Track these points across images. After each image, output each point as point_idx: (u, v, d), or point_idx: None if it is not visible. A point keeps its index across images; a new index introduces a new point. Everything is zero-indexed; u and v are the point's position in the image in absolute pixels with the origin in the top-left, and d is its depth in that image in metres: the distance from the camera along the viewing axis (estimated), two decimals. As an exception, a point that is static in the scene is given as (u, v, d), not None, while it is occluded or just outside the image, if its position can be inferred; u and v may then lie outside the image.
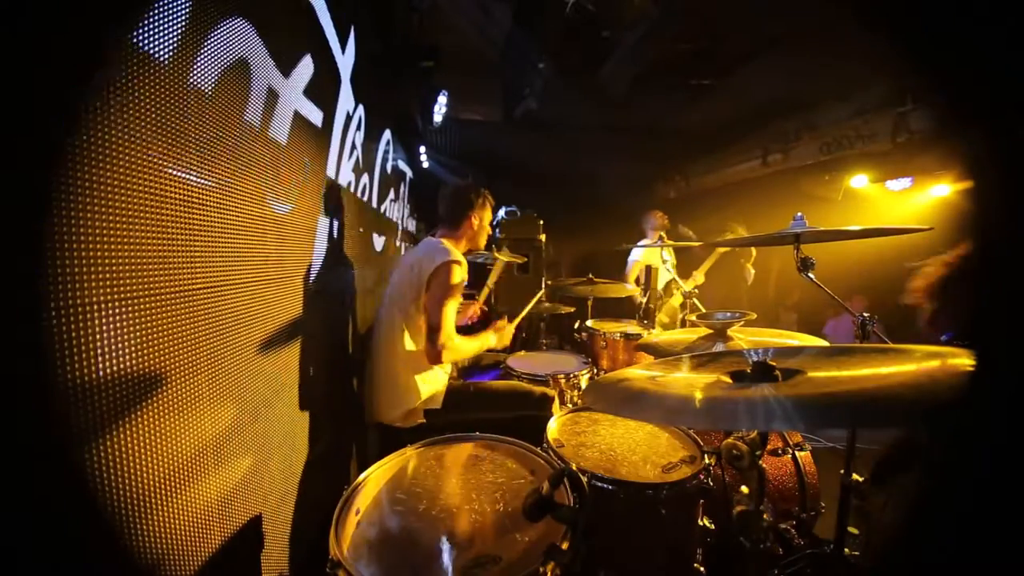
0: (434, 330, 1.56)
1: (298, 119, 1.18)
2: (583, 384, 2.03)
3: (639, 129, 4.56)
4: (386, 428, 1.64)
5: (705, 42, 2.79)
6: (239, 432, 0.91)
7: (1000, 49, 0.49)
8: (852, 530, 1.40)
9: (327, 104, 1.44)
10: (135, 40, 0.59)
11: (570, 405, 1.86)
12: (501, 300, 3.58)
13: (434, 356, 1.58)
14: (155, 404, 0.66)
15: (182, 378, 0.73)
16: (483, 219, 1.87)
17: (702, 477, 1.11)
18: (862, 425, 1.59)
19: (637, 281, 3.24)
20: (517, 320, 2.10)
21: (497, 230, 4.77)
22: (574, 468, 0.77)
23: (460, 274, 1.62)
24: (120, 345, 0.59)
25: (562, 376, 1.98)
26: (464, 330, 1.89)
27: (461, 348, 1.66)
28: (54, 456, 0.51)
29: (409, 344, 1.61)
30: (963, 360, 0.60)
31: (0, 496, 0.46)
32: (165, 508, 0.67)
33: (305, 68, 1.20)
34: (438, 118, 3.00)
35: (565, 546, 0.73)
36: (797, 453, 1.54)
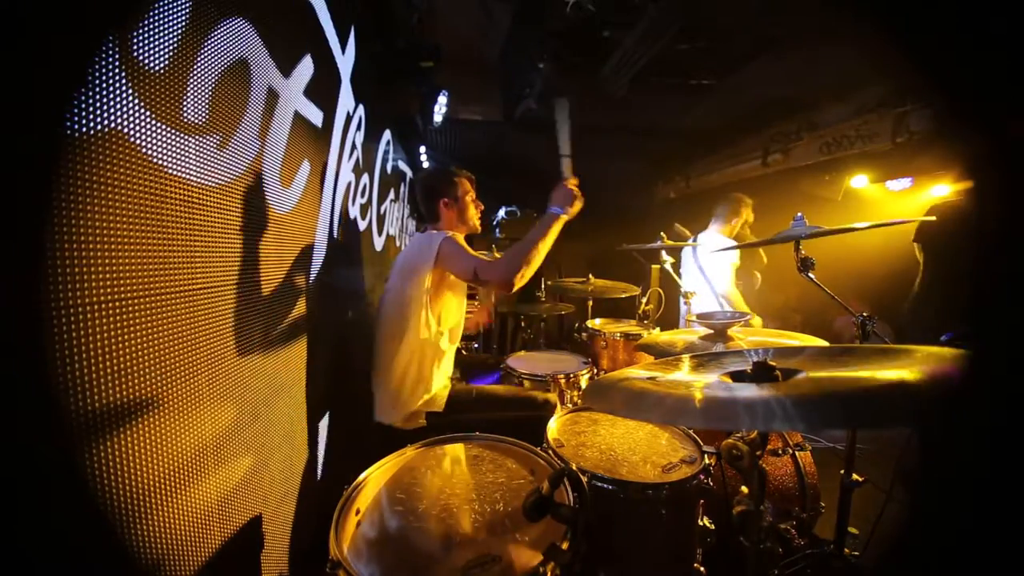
0: (479, 272, 1.47)
1: (298, 119, 1.18)
2: (583, 384, 2.03)
3: (639, 129, 4.55)
4: (387, 428, 1.64)
5: (705, 42, 2.78)
6: (239, 432, 0.91)
7: (999, 49, 0.49)
8: (852, 530, 1.40)
9: (327, 104, 1.44)
10: (136, 39, 0.59)
11: (570, 405, 1.86)
12: (501, 301, 3.59)
13: (503, 282, 1.43)
14: (155, 404, 0.66)
15: (182, 378, 0.73)
16: (460, 198, 1.76)
17: (702, 477, 1.11)
18: (862, 425, 1.59)
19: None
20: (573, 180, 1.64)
21: (497, 230, 4.78)
22: (574, 468, 0.77)
23: (463, 240, 1.60)
24: (120, 345, 0.59)
25: (562, 376, 1.98)
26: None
27: (518, 253, 1.44)
28: (54, 456, 0.51)
29: (408, 346, 1.61)
30: (963, 360, 0.60)
31: (1, 496, 0.46)
32: (165, 508, 0.67)
33: (305, 68, 1.20)
34: (438, 118, 3.00)
35: (565, 546, 0.73)
36: (797, 453, 1.55)
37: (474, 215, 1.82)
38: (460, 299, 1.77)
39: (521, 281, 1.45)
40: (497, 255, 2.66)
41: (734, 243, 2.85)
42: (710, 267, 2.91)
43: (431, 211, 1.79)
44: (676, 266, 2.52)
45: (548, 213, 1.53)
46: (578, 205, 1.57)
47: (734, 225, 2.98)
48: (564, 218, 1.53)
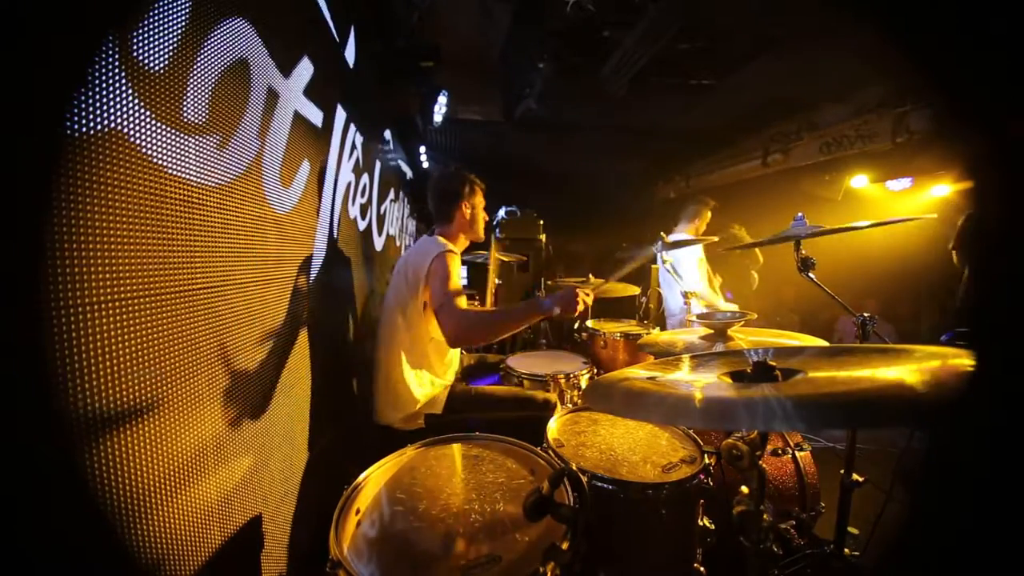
0: (441, 310, 1.46)
1: (298, 119, 1.18)
2: (583, 384, 2.03)
3: (639, 129, 4.55)
4: (387, 428, 1.64)
5: (705, 42, 2.78)
6: (239, 432, 0.91)
7: (999, 49, 0.49)
8: (852, 530, 1.40)
9: (327, 104, 1.44)
10: (136, 39, 0.59)
11: (570, 405, 1.86)
12: (501, 299, 3.57)
13: (454, 337, 1.44)
14: (155, 404, 0.66)
15: (182, 378, 0.73)
16: (475, 207, 1.81)
17: (702, 477, 1.11)
18: (862, 425, 1.59)
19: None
20: (595, 290, 1.56)
21: (497, 230, 4.77)
22: (574, 468, 0.77)
23: (457, 262, 1.59)
24: (120, 345, 0.59)
25: (562, 376, 1.98)
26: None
27: (485, 320, 1.47)
28: (54, 456, 0.51)
29: (408, 349, 1.61)
30: (963, 360, 0.60)
31: (1, 496, 0.46)
32: (165, 508, 0.67)
33: (305, 68, 1.20)
34: (438, 118, 3.00)
35: (565, 546, 0.73)
36: (797, 453, 1.54)
37: (481, 226, 1.86)
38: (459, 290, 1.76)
39: (465, 344, 1.43)
40: (497, 254, 2.66)
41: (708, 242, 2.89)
42: (679, 266, 2.94)
43: (446, 213, 1.77)
44: (673, 268, 2.52)
45: (537, 302, 1.46)
46: (572, 314, 1.47)
47: (697, 225, 3.04)
48: (547, 314, 1.47)
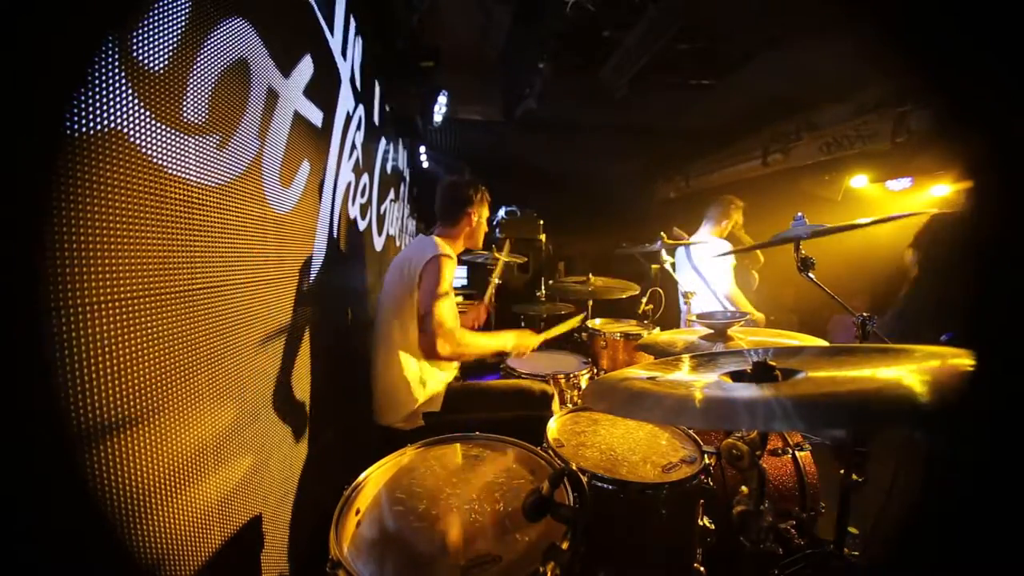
0: (425, 318, 1.52)
1: (298, 119, 1.18)
2: (583, 384, 2.03)
3: (639, 129, 4.55)
4: (386, 428, 1.64)
5: (705, 42, 2.78)
6: (239, 432, 0.91)
7: (1000, 49, 0.49)
8: (852, 530, 1.40)
9: (327, 104, 1.44)
10: (136, 39, 0.59)
11: (570, 405, 1.86)
12: (501, 299, 3.56)
13: (428, 347, 1.53)
14: (155, 404, 0.66)
15: (182, 378, 0.73)
16: (481, 216, 1.84)
17: (702, 477, 1.11)
18: (862, 425, 1.59)
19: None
20: (545, 336, 1.95)
21: (497, 230, 4.77)
22: (574, 468, 0.77)
23: (451, 268, 1.61)
24: (120, 345, 0.59)
25: (562, 376, 1.98)
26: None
27: (464, 340, 1.61)
28: (54, 456, 0.51)
29: (405, 347, 1.61)
30: (963, 360, 0.60)
31: (1, 496, 0.46)
32: (165, 508, 0.67)
33: (305, 68, 1.20)
34: (438, 118, 3.00)
35: (565, 546, 0.73)
36: (797, 453, 1.55)
37: (481, 236, 1.91)
38: (452, 300, 1.77)
39: (432, 358, 1.61)
40: (497, 255, 2.66)
41: (729, 245, 2.84)
42: (708, 270, 2.89)
43: (454, 216, 1.79)
44: (673, 267, 2.51)
45: (503, 339, 1.78)
46: (525, 349, 1.87)
47: (724, 227, 3.00)
48: (509, 348, 1.80)
